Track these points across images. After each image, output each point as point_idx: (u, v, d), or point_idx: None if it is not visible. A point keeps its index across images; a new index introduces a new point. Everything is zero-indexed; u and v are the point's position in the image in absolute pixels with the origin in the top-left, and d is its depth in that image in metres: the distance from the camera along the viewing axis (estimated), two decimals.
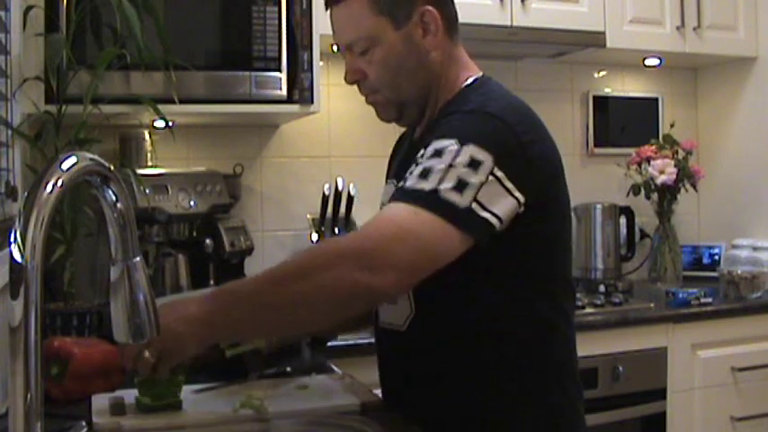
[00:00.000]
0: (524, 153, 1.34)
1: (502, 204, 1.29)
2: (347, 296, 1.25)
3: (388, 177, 1.64)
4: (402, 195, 1.30)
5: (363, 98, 1.55)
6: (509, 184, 1.30)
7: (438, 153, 1.30)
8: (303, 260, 1.27)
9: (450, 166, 1.28)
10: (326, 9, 1.53)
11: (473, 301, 1.39)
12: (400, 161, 1.56)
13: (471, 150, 1.29)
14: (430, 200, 1.26)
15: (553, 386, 1.44)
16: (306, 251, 1.30)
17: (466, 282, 1.37)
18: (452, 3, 1.51)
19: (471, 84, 1.48)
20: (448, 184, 1.27)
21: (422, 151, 1.35)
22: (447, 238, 1.27)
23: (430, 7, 1.44)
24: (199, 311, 1.23)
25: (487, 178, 1.28)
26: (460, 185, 1.27)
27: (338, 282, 1.23)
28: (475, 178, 1.28)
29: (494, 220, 1.28)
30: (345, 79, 1.51)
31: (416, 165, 1.33)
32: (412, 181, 1.30)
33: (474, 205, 1.27)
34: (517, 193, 1.31)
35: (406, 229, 1.26)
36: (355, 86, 1.52)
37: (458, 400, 1.40)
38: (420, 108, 1.50)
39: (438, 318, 1.41)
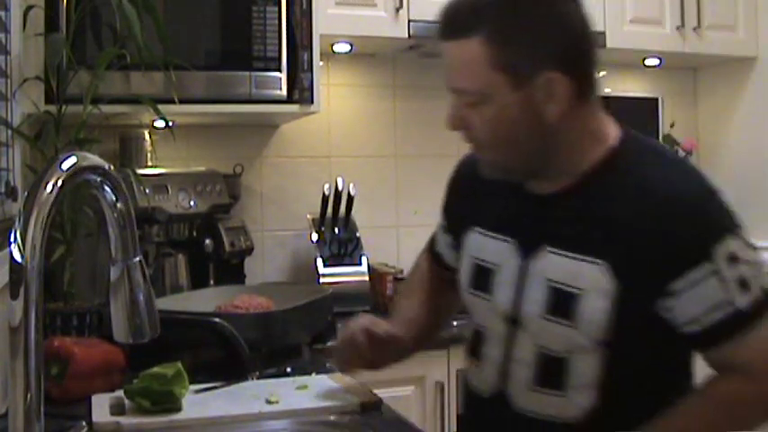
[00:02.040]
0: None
1: None
2: None
3: (497, 229, 1.39)
4: (750, 319, 1.23)
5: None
6: None
7: (733, 258, 1.23)
8: (727, 416, 1.27)
9: (749, 262, 1.25)
10: (439, 39, 1.31)
11: (666, 384, 1.33)
12: (519, 215, 1.37)
13: (743, 237, 1.28)
14: (764, 310, 1.24)
15: None
16: (721, 405, 1.29)
17: (662, 363, 1.34)
18: (591, 62, 1.32)
19: (625, 143, 1.33)
20: (757, 284, 1.24)
21: (710, 266, 1.21)
22: None
23: (558, 74, 1.23)
24: None
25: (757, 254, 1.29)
26: (764, 273, 1.27)
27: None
28: (757, 257, 1.28)
29: None
30: (447, 123, 1.33)
31: (718, 279, 1.22)
32: (743, 299, 1.22)
33: None
34: None
35: None
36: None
37: None
38: (531, 172, 1.33)
39: (625, 407, 1.30)
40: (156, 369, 1.43)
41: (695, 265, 1.22)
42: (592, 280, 1.24)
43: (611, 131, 1.33)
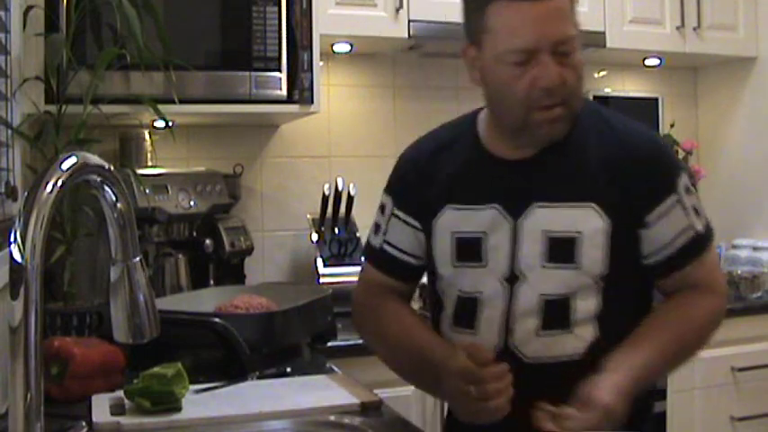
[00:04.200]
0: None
1: None
2: None
3: (476, 201, 1.47)
4: (706, 240, 1.46)
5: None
6: None
7: (688, 189, 1.44)
8: (698, 329, 1.46)
9: (696, 193, 1.47)
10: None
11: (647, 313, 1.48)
12: (499, 183, 1.46)
13: (688, 176, 1.46)
14: (712, 234, 1.48)
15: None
16: (695, 318, 1.45)
17: (646, 293, 1.51)
18: None
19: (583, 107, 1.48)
20: (703, 212, 1.47)
21: (675, 197, 1.42)
22: None
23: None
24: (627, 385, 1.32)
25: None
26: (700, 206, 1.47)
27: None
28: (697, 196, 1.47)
29: None
30: (547, 84, 1.35)
31: (681, 207, 1.42)
32: (699, 224, 1.45)
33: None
34: None
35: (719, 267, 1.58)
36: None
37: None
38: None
39: (621, 336, 1.39)
40: (156, 369, 1.43)
41: (664, 197, 1.41)
42: (586, 222, 1.39)
43: None
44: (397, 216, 1.58)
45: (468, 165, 1.50)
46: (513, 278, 1.43)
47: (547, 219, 1.41)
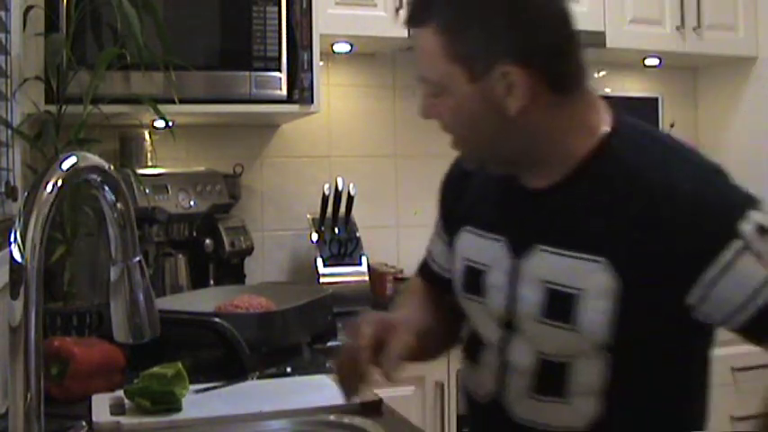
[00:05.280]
0: None
1: None
2: None
3: (488, 227, 1.30)
4: None
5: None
6: None
7: (763, 230, 1.11)
8: None
9: None
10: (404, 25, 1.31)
11: (679, 390, 1.28)
12: (510, 212, 1.28)
13: (765, 210, 1.14)
14: None
15: None
16: None
17: (688, 370, 1.28)
18: (560, 55, 1.19)
19: (617, 131, 1.22)
20: None
21: (739, 243, 1.09)
22: None
23: (513, 67, 1.14)
24: None
25: None
26: None
27: None
28: None
29: None
30: (418, 112, 1.27)
31: (752, 255, 1.09)
32: None
33: None
34: None
35: None
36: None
37: None
38: (507, 165, 1.26)
39: (633, 415, 1.21)
40: (156, 369, 1.43)
41: (722, 246, 1.10)
42: (591, 279, 1.15)
43: (603, 121, 1.23)
44: (438, 221, 1.47)
45: (490, 184, 1.32)
46: (508, 324, 1.25)
47: (548, 266, 1.20)
